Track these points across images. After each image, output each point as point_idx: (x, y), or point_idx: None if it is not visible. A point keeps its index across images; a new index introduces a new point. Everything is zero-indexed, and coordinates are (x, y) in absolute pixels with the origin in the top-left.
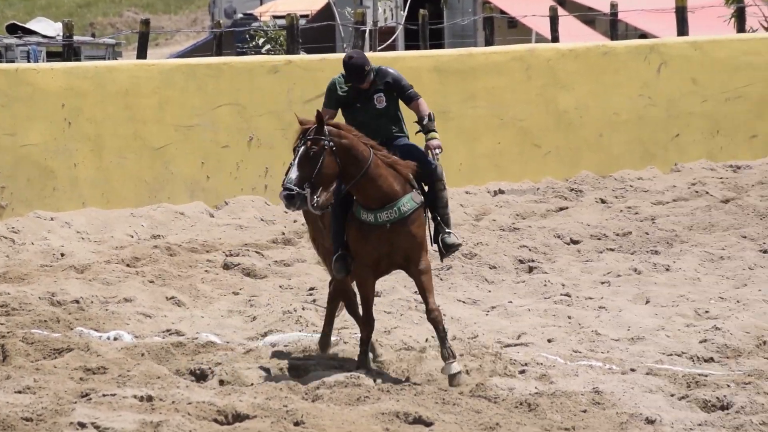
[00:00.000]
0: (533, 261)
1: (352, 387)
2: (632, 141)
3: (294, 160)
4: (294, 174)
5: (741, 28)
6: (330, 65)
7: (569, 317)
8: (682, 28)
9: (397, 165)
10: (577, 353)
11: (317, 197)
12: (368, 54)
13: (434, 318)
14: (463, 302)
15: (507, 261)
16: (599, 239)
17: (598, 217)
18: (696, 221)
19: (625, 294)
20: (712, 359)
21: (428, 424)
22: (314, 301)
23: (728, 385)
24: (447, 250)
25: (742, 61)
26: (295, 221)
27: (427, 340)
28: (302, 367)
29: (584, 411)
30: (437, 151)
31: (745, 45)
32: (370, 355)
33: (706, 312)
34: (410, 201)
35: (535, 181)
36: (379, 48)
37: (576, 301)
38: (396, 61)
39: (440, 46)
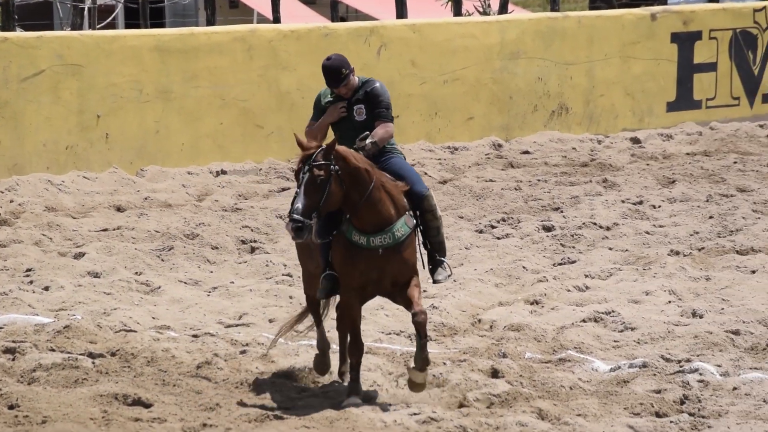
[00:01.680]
0: (255, 241)
1: (70, 369)
2: None
3: (299, 188)
4: (301, 204)
5: (457, 11)
6: (47, 43)
7: (291, 297)
8: (402, 11)
9: (391, 189)
10: (298, 333)
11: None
12: (86, 32)
13: (419, 321)
14: (185, 283)
15: (229, 241)
16: None
17: None
18: None
19: None
20: (429, 338)
21: (147, 406)
22: (32, 282)
23: (444, 363)
24: (434, 281)
25: (458, 44)
26: (11, 201)
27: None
28: (18, 350)
29: (304, 390)
30: (365, 143)
31: (462, 28)
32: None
33: (425, 291)
34: (404, 225)
35: (257, 161)
36: (99, 26)
37: (298, 281)
38: (116, 39)
39: (161, 25)
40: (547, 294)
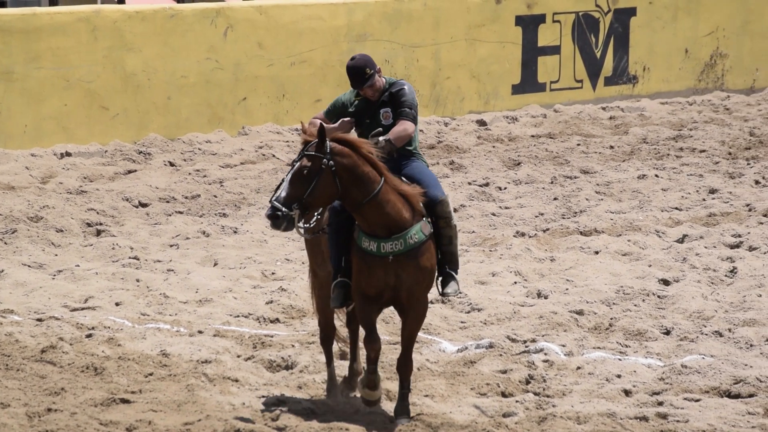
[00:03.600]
0: (101, 224)
1: None
2: (200, 104)
3: (287, 176)
4: (283, 192)
5: None
6: None
7: (138, 280)
8: None
9: (407, 190)
10: (145, 316)
11: (308, 221)
12: None
13: (406, 371)
14: (29, 266)
15: (74, 224)
16: (168, 202)
17: (166, 180)
18: (263, 184)
19: (193, 256)
20: (278, 320)
21: None
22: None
23: (293, 345)
24: (443, 294)
25: (305, 26)
26: None
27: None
28: None
29: (151, 374)
30: (378, 139)
31: (309, 10)
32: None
33: (273, 273)
34: (419, 232)
35: (102, 143)
36: None
37: (144, 264)
38: None
39: (2, 5)
40: None
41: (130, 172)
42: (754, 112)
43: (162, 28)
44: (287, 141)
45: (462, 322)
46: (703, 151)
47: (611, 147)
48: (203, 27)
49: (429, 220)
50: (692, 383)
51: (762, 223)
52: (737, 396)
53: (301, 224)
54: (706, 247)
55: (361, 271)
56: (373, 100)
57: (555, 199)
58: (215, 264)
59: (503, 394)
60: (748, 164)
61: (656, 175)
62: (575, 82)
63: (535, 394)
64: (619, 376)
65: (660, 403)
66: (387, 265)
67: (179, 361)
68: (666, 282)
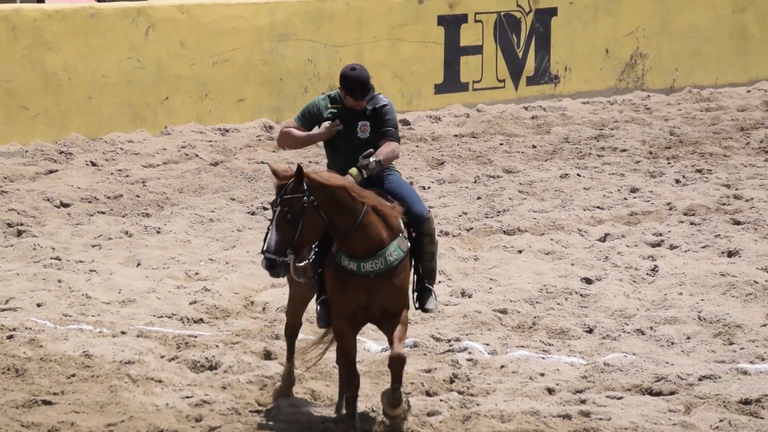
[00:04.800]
0: (22, 224)
1: None
2: (122, 103)
3: (271, 223)
4: (273, 240)
5: None
6: None
7: (59, 281)
8: None
9: (385, 210)
10: (67, 317)
11: (303, 260)
12: None
13: (398, 366)
14: None
15: None
16: (90, 202)
17: (88, 180)
18: (186, 184)
19: (116, 257)
20: (201, 320)
21: None
22: None
23: (217, 346)
24: (423, 310)
25: (227, 26)
26: None
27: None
28: None
29: (73, 375)
30: (369, 160)
31: (231, 10)
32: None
33: (197, 274)
34: (397, 249)
35: (23, 143)
36: None
37: (66, 264)
38: None
39: None
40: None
41: (51, 172)
42: (674, 112)
43: (82, 27)
44: (210, 140)
45: None
46: (624, 150)
47: (534, 146)
48: (124, 26)
49: (405, 235)
50: (614, 381)
51: (682, 222)
52: (659, 393)
53: (299, 264)
54: (627, 246)
55: (336, 288)
56: (357, 111)
57: (478, 198)
58: (138, 264)
59: (428, 393)
60: (669, 163)
61: (578, 175)
62: (497, 82)
63: (460, 393)
64: (542, 375)
65: (583, 401)
66: (364, 283)
67: (102, 362)
68: (588, 280)
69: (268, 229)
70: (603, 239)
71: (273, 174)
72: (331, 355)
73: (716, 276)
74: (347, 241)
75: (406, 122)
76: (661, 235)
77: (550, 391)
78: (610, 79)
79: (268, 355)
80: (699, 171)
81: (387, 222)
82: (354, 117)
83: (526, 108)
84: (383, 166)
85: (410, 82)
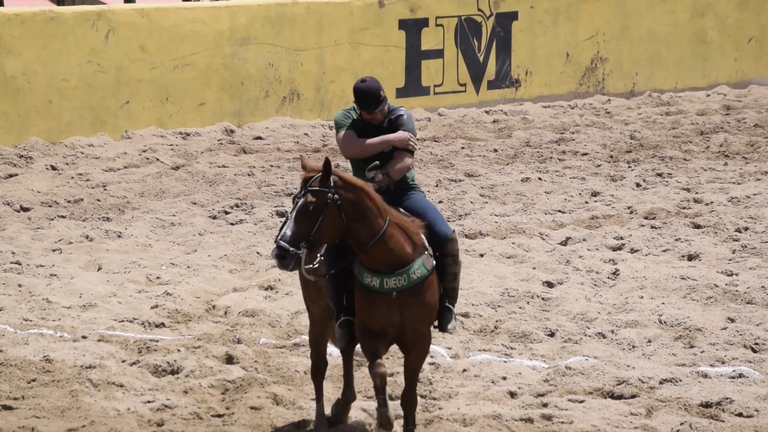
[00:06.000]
0: None
1: None
2: (82, 107)
3: (291, 213)
4: (289, 230)
5: None
6: None
7: (20, 285)
8: None
9: (407, 226)
10: (27, 321)
11: (315, 261)
12: None
13: (410, 406)
14: None
15: None
16: (50, 206)
17: (48, 184)
18: (147, 188)
19: (77, 261)
20: (163, 324)
21: None
22: None
23: (178, 350)
24: (443, 331)
25: (188, 29)
26: None
27: None
28: None
29: (34, 380)
30: (376, 172)
31: (191, 13)
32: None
33: (158, 278)
34: (421, 267)
35: None
36: None
37: (27, 269)
38: None
39: None
40: (281, 279)
41: (10, 176)
42: (634, 116)
43: (42, 30)
44: (171, 144)
45: None
46: (585, 154)
47: (495, 150)
48: (84, 30)
49: (431, 254)
50: (576, 384)
51: (643, 226)
52: (620, 397)
53: (310, 263)
54: (588, 250)
55: (364, 308)
56: (374, 123)
57: (440, 202)
58: (99, 268)
59: (390, 397)
60: (629, 167)
61: (539, 178)
62: (459, 86)
63: (422, 396)
64: (504, 378)
65: (545, 405)
66: (390, 302)
67: (63, 366)
68: (550, 284)
69: (286, 218)
70: (564, 243)
71: (302, 166)
72: (294, 359)
73: (677, 279)
74: (366, 252)
75: None
76: (622, 238)
77: (512, 394)
78: (570, 83)
79: (230, 360)
80: (659, 175)
81: (411, 237)
82: (373, 130)
83: (487, 112)
84: (392, 178)
85: None
